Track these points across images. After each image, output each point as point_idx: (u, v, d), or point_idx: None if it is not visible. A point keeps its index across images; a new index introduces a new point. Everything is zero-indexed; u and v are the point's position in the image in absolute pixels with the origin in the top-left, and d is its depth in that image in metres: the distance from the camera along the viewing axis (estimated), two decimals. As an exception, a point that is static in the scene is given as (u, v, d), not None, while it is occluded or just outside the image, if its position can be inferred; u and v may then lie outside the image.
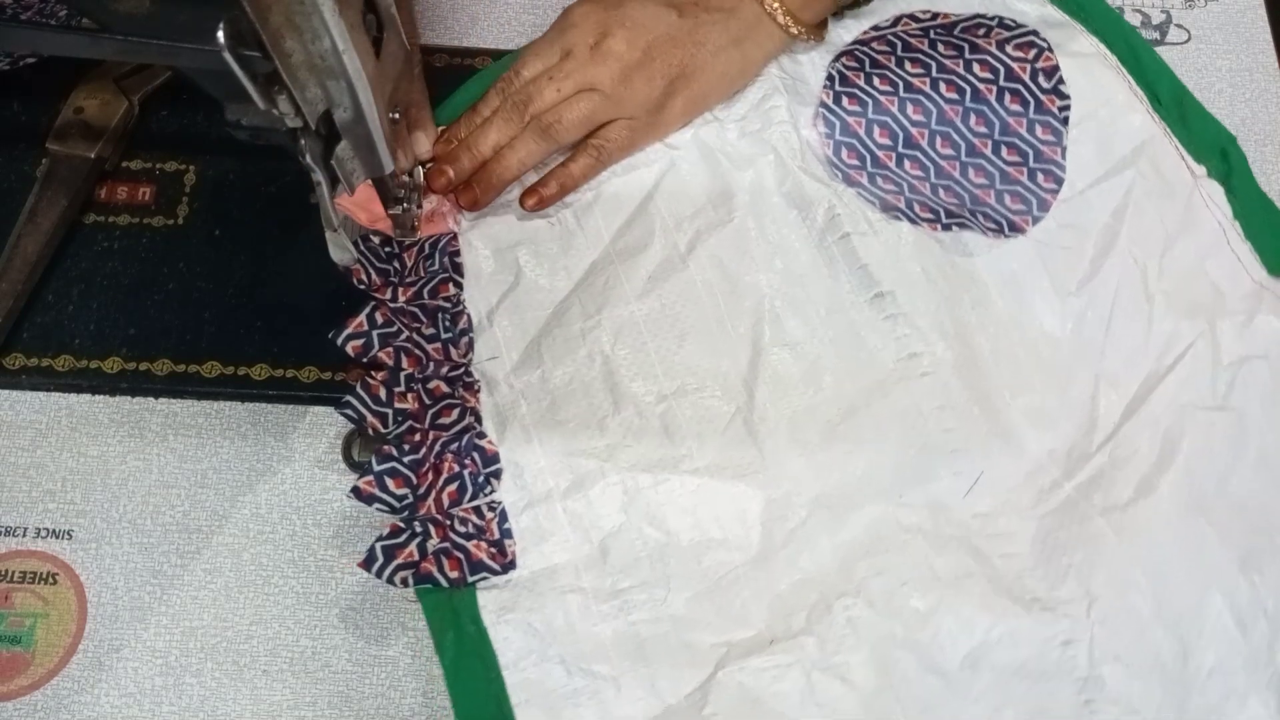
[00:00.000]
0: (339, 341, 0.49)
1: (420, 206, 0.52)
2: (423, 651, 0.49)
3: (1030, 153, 0.56)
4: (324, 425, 0.52)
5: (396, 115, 0.45)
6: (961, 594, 0.48)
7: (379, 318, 0.50)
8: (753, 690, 0.46)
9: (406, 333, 0.50)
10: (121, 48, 0.37)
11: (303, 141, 0.41)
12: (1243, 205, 0.56)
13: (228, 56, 0.35)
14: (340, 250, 0.51)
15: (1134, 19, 0.62)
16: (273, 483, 0.51)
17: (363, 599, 0.50)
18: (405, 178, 0.50)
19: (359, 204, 0.50)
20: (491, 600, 0.47)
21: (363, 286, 0.51)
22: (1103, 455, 0.51)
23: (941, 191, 0.55)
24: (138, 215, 0.55)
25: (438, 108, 0.56)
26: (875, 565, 0.49)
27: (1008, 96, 0.56)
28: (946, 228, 0.54)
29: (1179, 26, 0.63)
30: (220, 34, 0.35)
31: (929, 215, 0.55)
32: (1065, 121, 0.56)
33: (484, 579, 0.47)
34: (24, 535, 0.50)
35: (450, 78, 0.57)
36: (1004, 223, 0.55)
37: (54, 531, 0.50)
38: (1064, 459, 0.51)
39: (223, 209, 0.55)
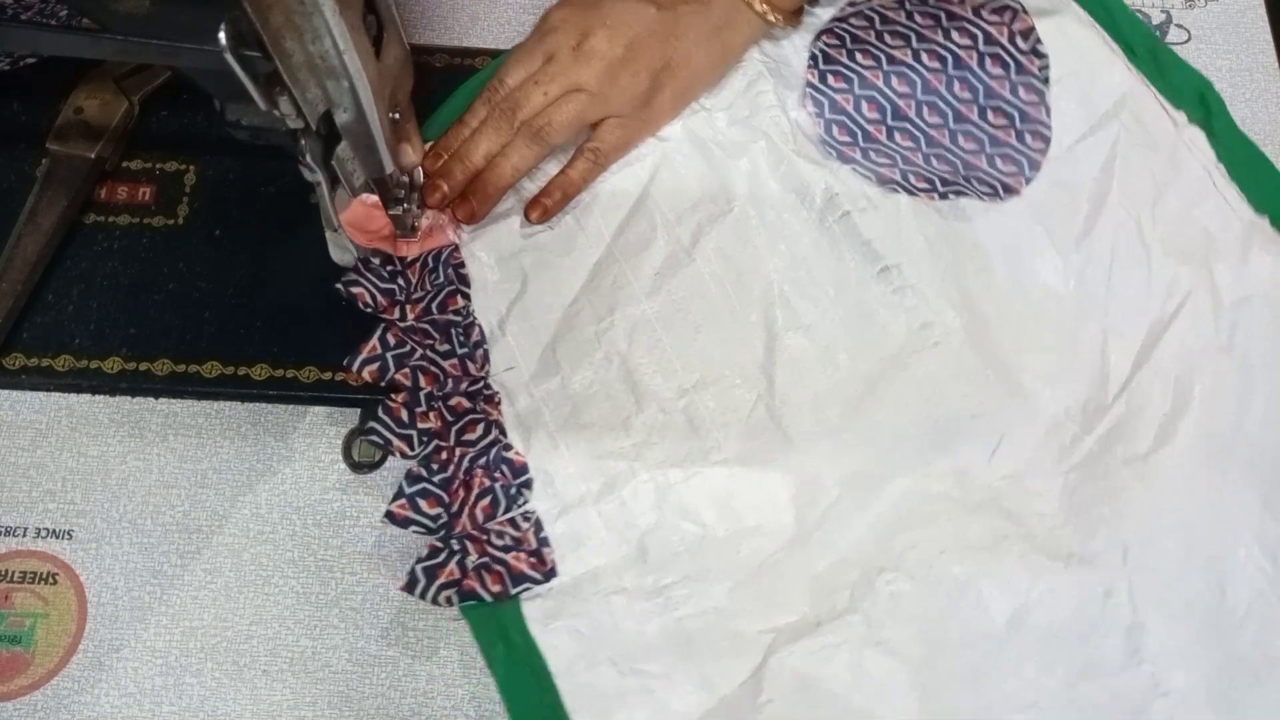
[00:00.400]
0: (354, 369, 0.49)
1: (420, 206, 0.52)
2: (423, 652, 0.49)
3: (1016, 114, 0.56)
4: (324, 425, 0.52)
5: (397, 115, 0.45)
6: (998, 557, 0.49)
7: (391, 339, 0.50)
8: (805, 673, 0.47)
9: (420, 351, 0.50)
10: (122, 48, 0.37)
11: (303, 142, 0.41)
12: (1225, 148, 0.56)
13: (229, 57, 0.35)
14: (340, 250, 0.51)
15: (1134, 19, 0.62)
16: (273, 483, 0.51)
17: (363, 599, 0.50)
18: (405, 178, 0.50)
19: (355, 225, 0.50)
20: (536, 610, 0.48)
21: (369, 310, 0.51)
22: (1119, 406, 0.52)
23: (934, 160, 0.56)
24: (138, 215, 0.55)
25: (436, 110, 0.56)
26: (911, 538, 0.49)
27: (988, 60, 0.56)
28: (943, 196, 0.55)
29: (1179, 26, 0.63)
30: (221, 34, 0.35)
31: (925, 185, 0.55)
32: (1046, 81, 0.57)
33: (526, 589, 0.48)
34: (24, 535, 0.50)
35: (450, 78, 0.57)
36: (998, 185, 0.55)
37: (54, 531, 0.50)
38: (1080, 414, 0.52)
39: (223, 209, 0.55)
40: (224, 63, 0.35)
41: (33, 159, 0.54)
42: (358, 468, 0.51)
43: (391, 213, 0.50)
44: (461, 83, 0.57)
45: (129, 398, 0.52)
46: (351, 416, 0.53)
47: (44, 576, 0.49)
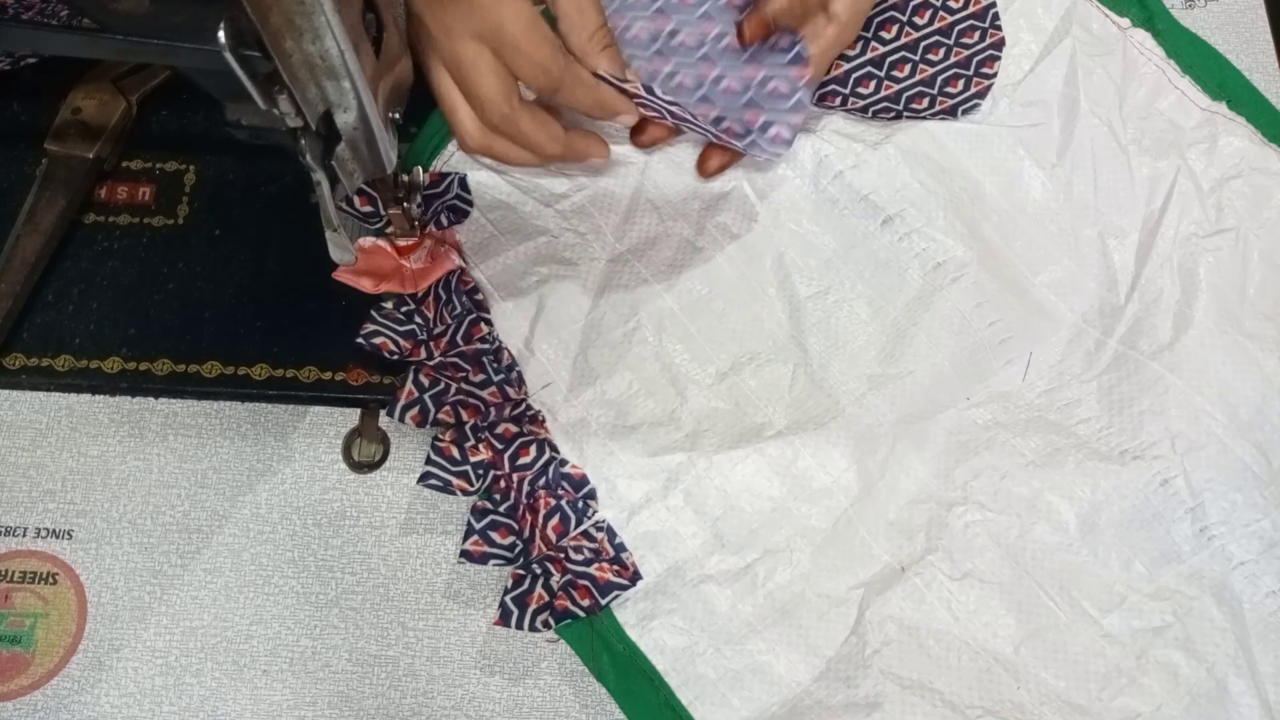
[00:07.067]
0: (395, 417, 0.49)
1: (420, 205, 0.52)
2: (423, 651, 0.49)
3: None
4: (324, 425, 0.52)
5: (397, 115, 0.45)
6: (1057, 468, 0.51)
7: (425, 380, 0.50)
8: (903, 619, 0.49)
9: (456, 385, 0.50)
10: (121, 47, 0.37)
11: (303, 141, 0.41)
12: (1172, 44, 0.59)
13: (228, 56, 0.35)
14: (340, 250, 0.51)
15: (1133, 18, 0.62)
16: (273, 483, 0.51)
17: (363, 599, 0.50)
18: (404, 177, 0.50)
19: (360, 272, 0.50)
20: (630, 615, 0.48)
21: (395, 357, 0.51)
22: (1133, 304, 0.54)
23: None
24: (138, 215, 0.55)
25: (435, 110, 0.56)
26: (971, 468, 0.51)
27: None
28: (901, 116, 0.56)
29: (1178, 26, 0.63)
30: (221, 34, 0.35)
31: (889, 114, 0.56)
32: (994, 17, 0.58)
33: (616, 597, 0.48)
34: (24, 535, 0.50)
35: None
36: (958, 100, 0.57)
37: (54, 531, 0.50)
38: (1098, 317, 0.54)
39: (223, 209, 0.55)
40: (223, 62, 0.35)
41: (32, 159, 0.54)
42: (358, 468, 0.51)
43: (391, 212, 0.50)
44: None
45: (129, 398, 0.52)
46: (351, 416, 0.53)
47: (44, 576, 0.49)
